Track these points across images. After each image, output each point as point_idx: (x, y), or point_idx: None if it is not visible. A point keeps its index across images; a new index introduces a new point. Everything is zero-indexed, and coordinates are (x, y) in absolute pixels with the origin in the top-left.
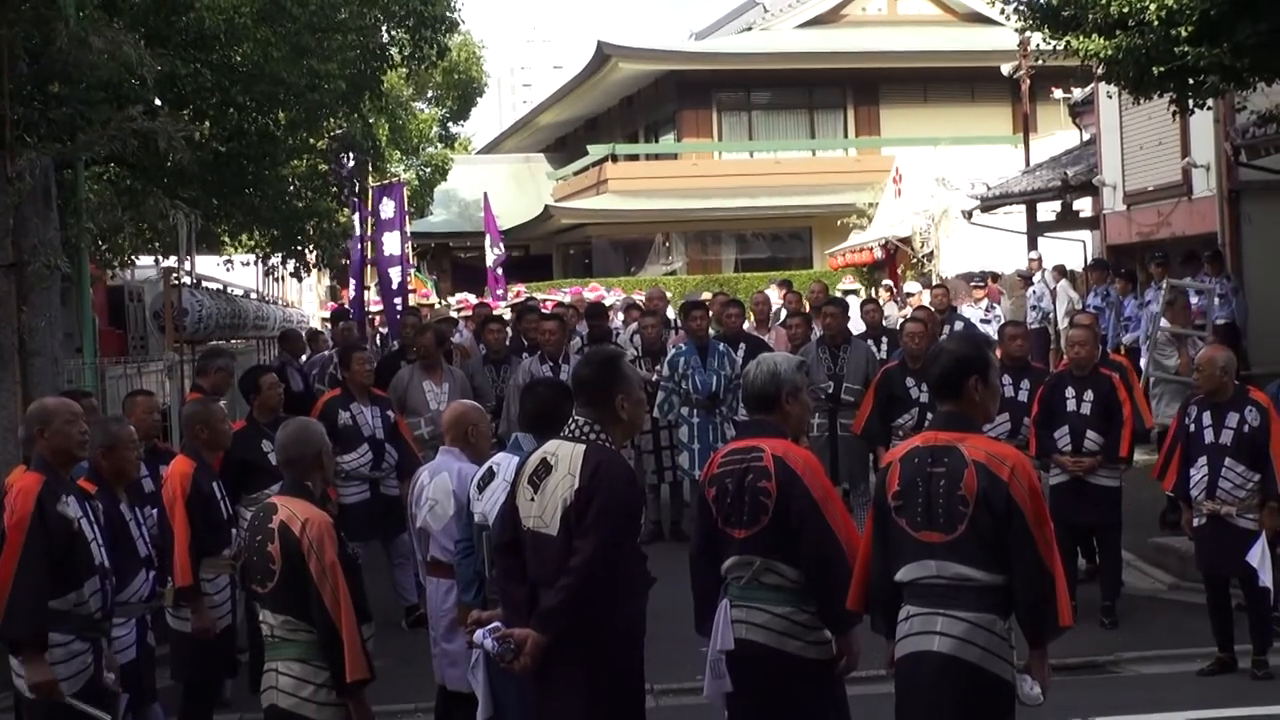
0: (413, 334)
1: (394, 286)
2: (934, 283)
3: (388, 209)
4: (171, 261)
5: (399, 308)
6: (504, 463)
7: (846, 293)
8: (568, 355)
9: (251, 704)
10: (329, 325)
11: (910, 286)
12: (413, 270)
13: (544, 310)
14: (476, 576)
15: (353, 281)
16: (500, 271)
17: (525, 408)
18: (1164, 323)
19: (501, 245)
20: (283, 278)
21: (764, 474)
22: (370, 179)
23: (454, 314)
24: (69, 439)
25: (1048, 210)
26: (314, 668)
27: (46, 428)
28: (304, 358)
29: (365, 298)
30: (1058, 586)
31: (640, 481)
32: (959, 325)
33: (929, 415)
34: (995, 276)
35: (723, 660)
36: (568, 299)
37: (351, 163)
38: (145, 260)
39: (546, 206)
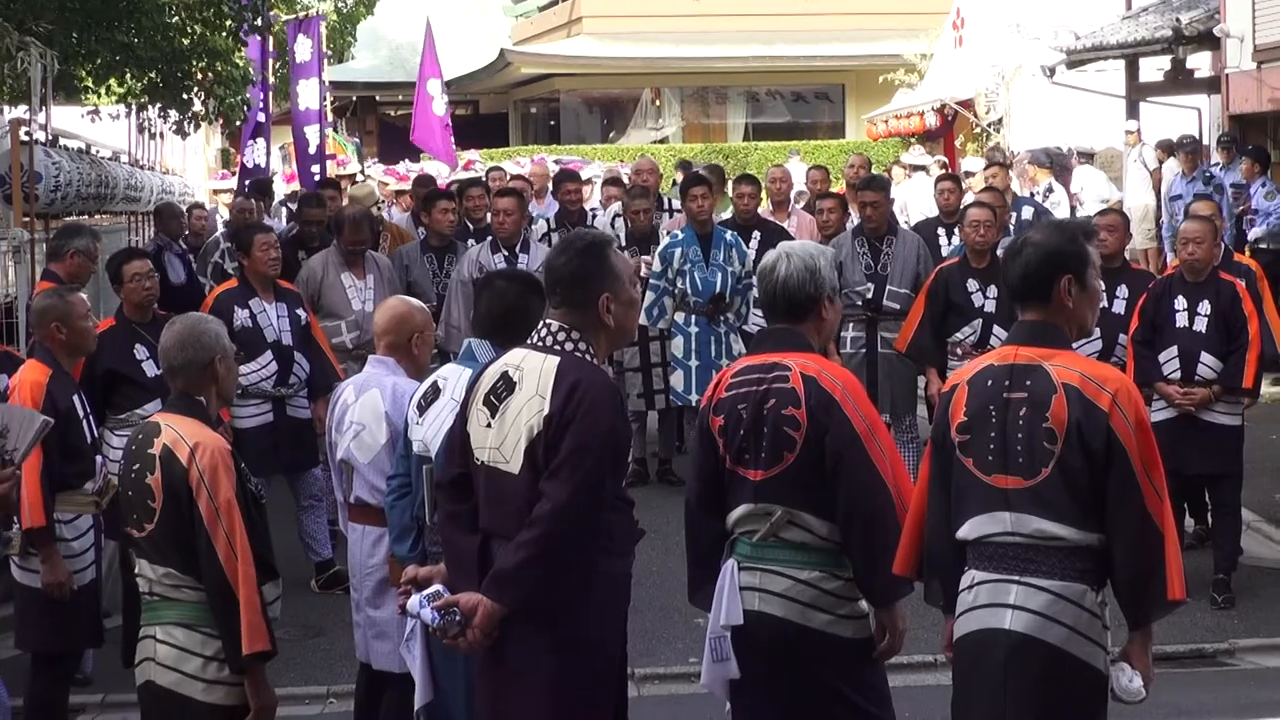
0: (316, 229)
1: (311, 151)
2: (1004, 158)
3: (304, 49)
4: (20, 112)
5: (317, 177)
6: (452, 377)
7: (914, 168)
8: (527, 243)
9: (120, 681)
10: (221, 197)
11: (970, 163)
12: (329, 131)
13: (491, 184)
14: (413, 524)
15: (258, 143)
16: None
17: (481, 307)
18: None
19: (436, 88)
20: (161, 134)
21: (790, 398)
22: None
23: (372, 184)
24: None
25: (1153, 68)
26: (202, 636)
27: None
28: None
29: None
30: (1167, 550)
31: None
32: (1028, 212)
33: (994, 329)
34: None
35: (727, 638)
36: (525, 170)
37: None
38: None
39: (502, 51)
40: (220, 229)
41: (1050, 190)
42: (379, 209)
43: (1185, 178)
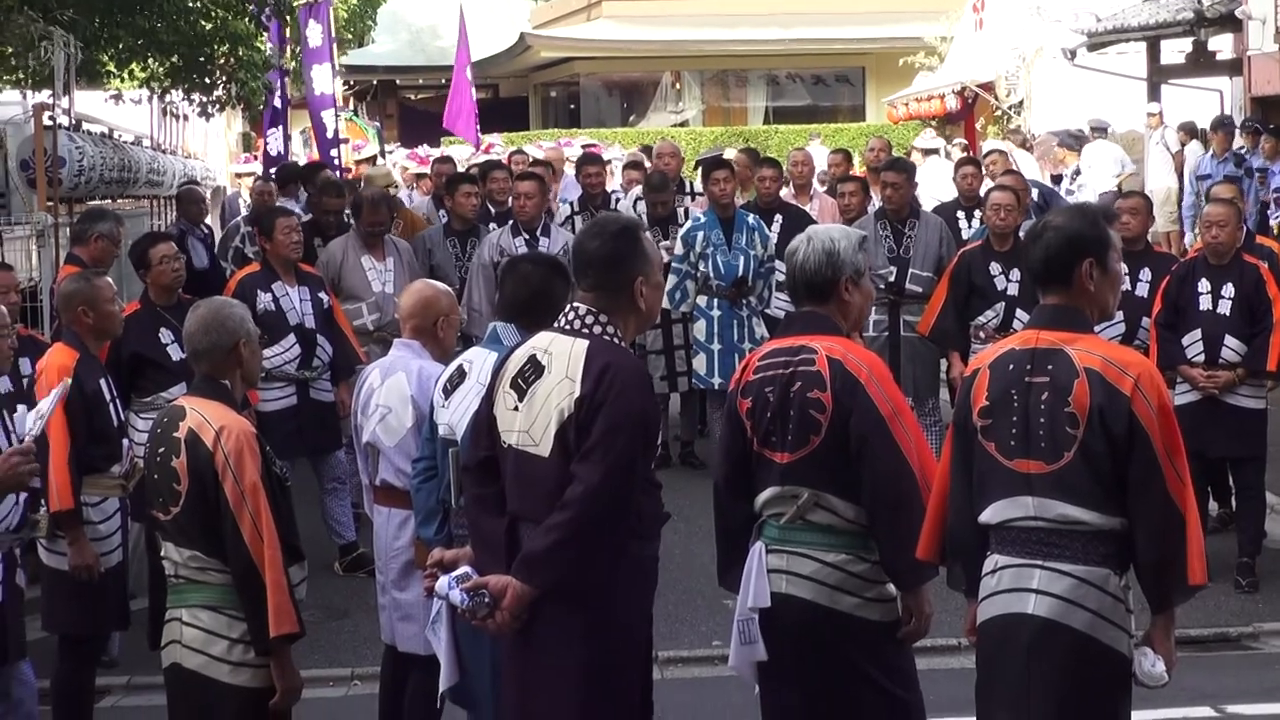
0: (334, 219)
1: (329, 135)
2: (1025, 140)
3: (315, 35)
4: (44, 97)
5: (337, 161)
6: (478, 360)
7: (927, 152)
8: (547, 226)
9: (145, 663)
10: (244, 181)
11: (991, 146)
12: (345, 114)
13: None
14: (439, 507)
15: (278, 130)
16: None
17: (505, 291)
18: None
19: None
20: (185, 117)
21: (816, 381)
22: None
23: (388, 167)
24: None
25: (1174, 50)
26: (228, 618)
27: None
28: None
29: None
30: (1189, 534)
31: None
32: (1034, 193)
33: (1017, 312)
34: (1083, 133)
35: (755, 621)
36: (541, 153)
37: None
38: (9, 96)
39: (522, 35)
40: (242, 212)
41: (1078, 173)
42: (394, 189)
43: (1217, 159)
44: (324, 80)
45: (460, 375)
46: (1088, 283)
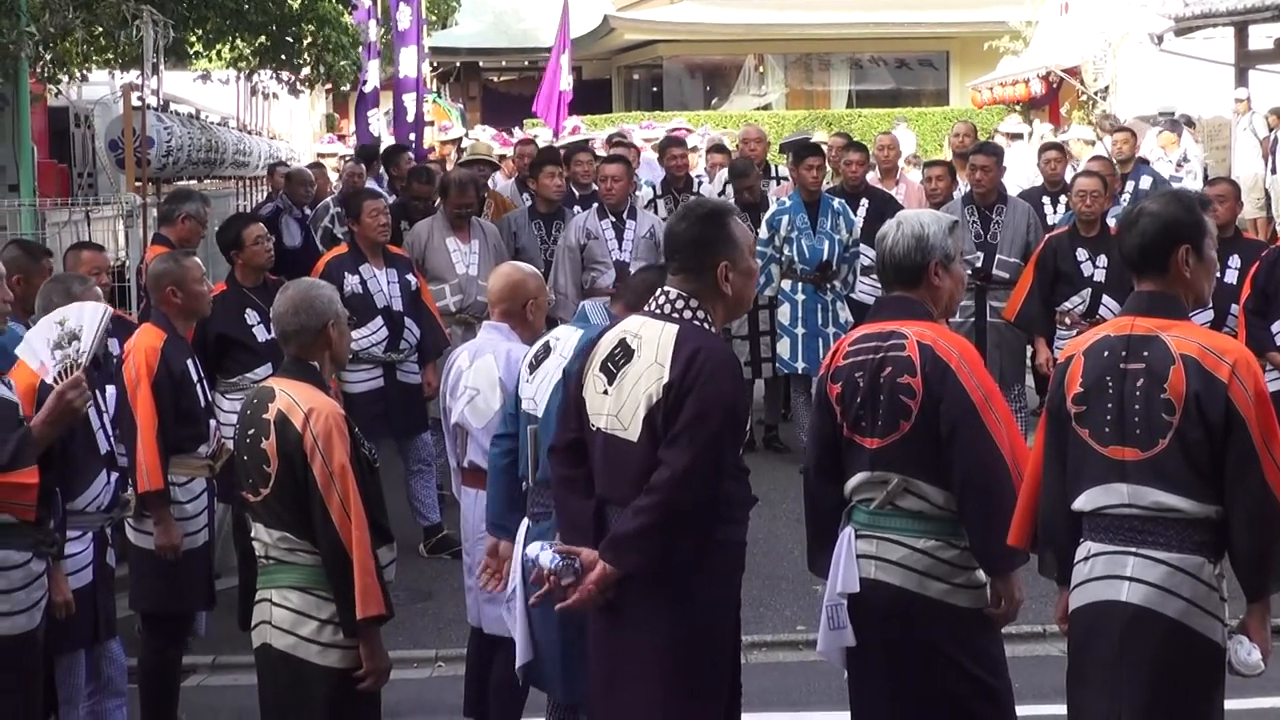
0: (421, 205)
1: (409, 119)
2: (1113, 124)
3: (404, 18)
4: (132, 77)
5: (413, 143)
6: (564, 337)
7: (1012, 136)
8: (633, 209)
9: (230, 643)
10: (328, 161)
11: (1076, 131)
12: (430, 96)
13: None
14: (520, 499)
15: (374, 113)
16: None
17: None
18: None
19: (565, 61)
20: (275, 96)
21: (906, 366)
22: None
23: (490, 145)
24: None
25: (1263, 35)
26: (317, 599)
27: None
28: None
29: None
30: None
31: None
32: (1147, 182)
33: (1104, 298)
34: (1189, 121)
35: (843, 606)
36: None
37: None
38: (97, 77)
39: (605, 17)
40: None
41: (1185, 160)
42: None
43: None
44: (409, 63)
45: (546, 351)
46: (1183, 269)
